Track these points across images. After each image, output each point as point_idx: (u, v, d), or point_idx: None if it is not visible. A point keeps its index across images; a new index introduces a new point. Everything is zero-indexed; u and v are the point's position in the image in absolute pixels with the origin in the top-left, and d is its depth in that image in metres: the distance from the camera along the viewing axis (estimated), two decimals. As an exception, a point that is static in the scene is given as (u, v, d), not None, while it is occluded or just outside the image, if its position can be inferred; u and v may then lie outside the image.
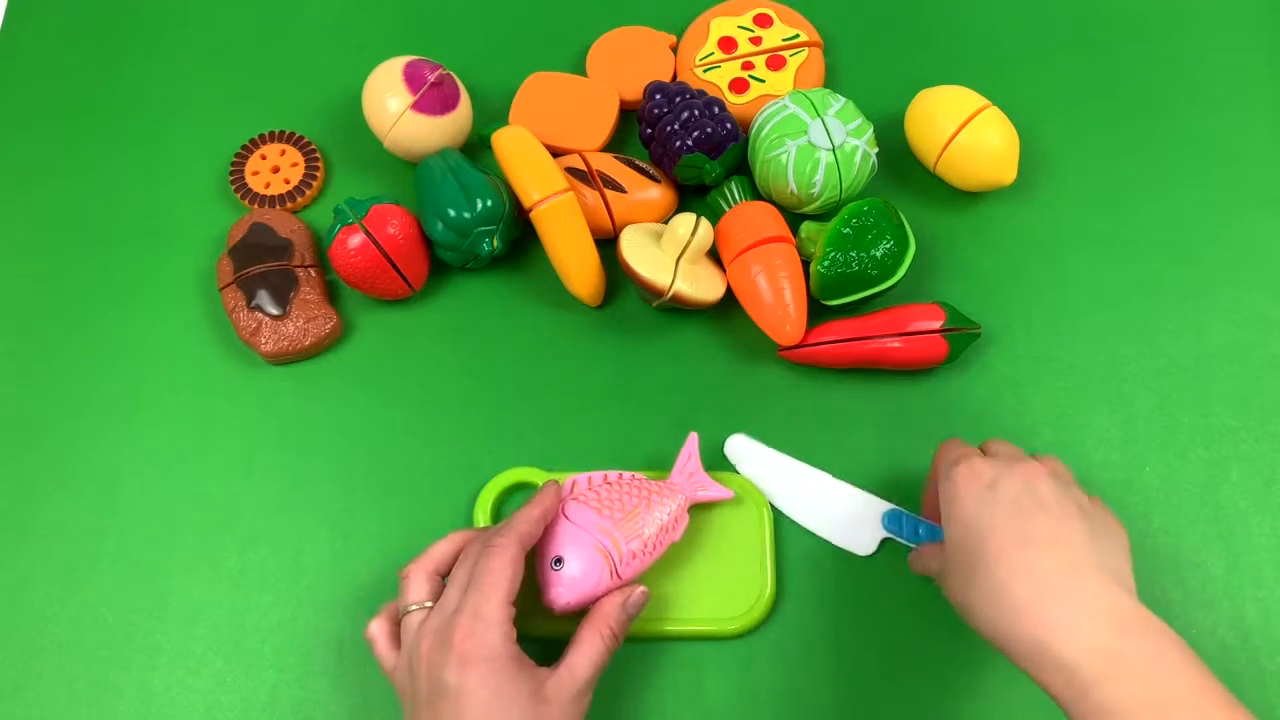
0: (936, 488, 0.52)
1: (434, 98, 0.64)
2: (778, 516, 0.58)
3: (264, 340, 0.61)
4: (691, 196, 0.68)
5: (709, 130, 0.63)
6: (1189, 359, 0.62)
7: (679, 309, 0.63)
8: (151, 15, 0.75)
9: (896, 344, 0.59)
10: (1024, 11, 0.74)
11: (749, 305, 0.61)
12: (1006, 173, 0.64)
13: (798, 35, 0.70)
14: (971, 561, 0.46)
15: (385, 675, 0.50)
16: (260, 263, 0.62)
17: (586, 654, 0.47)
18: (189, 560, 0.58)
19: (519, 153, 0.61)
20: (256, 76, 0.73)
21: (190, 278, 0.66)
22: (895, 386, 0.62)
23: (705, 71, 0.69)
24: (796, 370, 0.62)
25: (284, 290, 0.62)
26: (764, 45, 0.70)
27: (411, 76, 0.64)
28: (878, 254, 0.59)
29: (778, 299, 0.59)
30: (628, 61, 0.70)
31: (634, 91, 0.69)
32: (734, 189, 0.64)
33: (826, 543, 0.58)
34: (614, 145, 0.69)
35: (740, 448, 0.59)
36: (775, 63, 0.70)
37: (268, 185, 0.67)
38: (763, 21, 0.71)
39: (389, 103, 0.64)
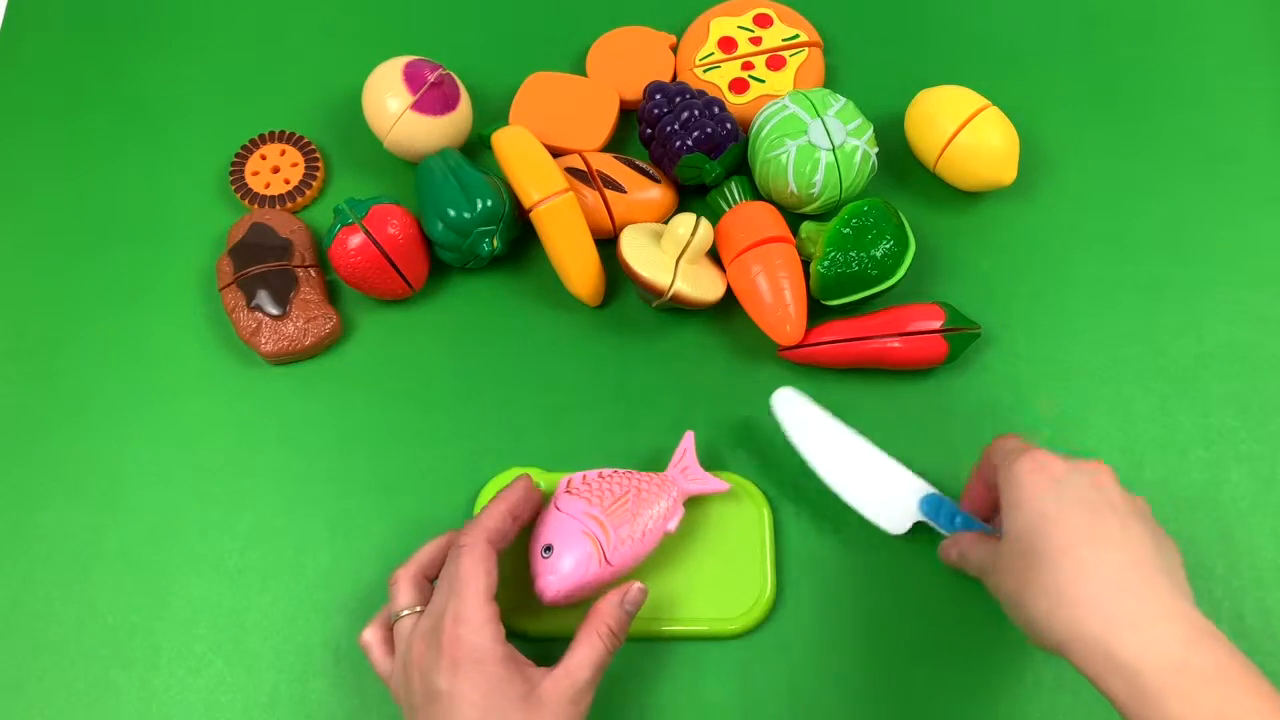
0: (984, 481, 0.51)
1: (434, 98, 0.64)
2: (779, 517, 0.58)
3: (264, 340, 0.61)
4: (691, 196, 0.68)
5: (709, 130, 0.63)
6: (1189, 359, 0.62)
7: (679, 309, 0.63)
8: (151, 16, 0.75)
9: (896, 344, 0.59)
10: (1024, 11, 0.74)
11: (749, 305, 0.61)
12: (1006, 173, 0.64)
13: (798, 35, 0.70)
14: (1033, 554, 0.44)
15: (382, 680, 0.50)
16: (260, 263, 0.62)
17: (584, 655, 0.47)
18: (189, 560, 0.58)
19: (519, 153, 0.61)
20: (256, 76, 0.73)
21: (190, 278, 0.66)
22: (895, 386, 0.62)
23: (705, 71, 0.69)
24: (796, 370, 0.62)
25: (284, 290, 0.62)
26: (764, 45, 0.70)
27: (411, 76, 0.64)
28: (878, 254, 0.59)
29: (778, 299, 0.59)
30: (628, 61, 0.70)
31: (634, 91, 0.69)
32: (734, 189, 0.64)
33: (826, 543, 0.58)
34: (614, 145, 0.69)
35: (787, 401, 0.57)
36: (775, 63, 0.70)
37: (268, 185, 0.67)
38: (763, 21, 0.71)
39: (389, 103, 0.64)
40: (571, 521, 0.52)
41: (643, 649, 0.56)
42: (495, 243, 0.62)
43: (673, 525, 0.54)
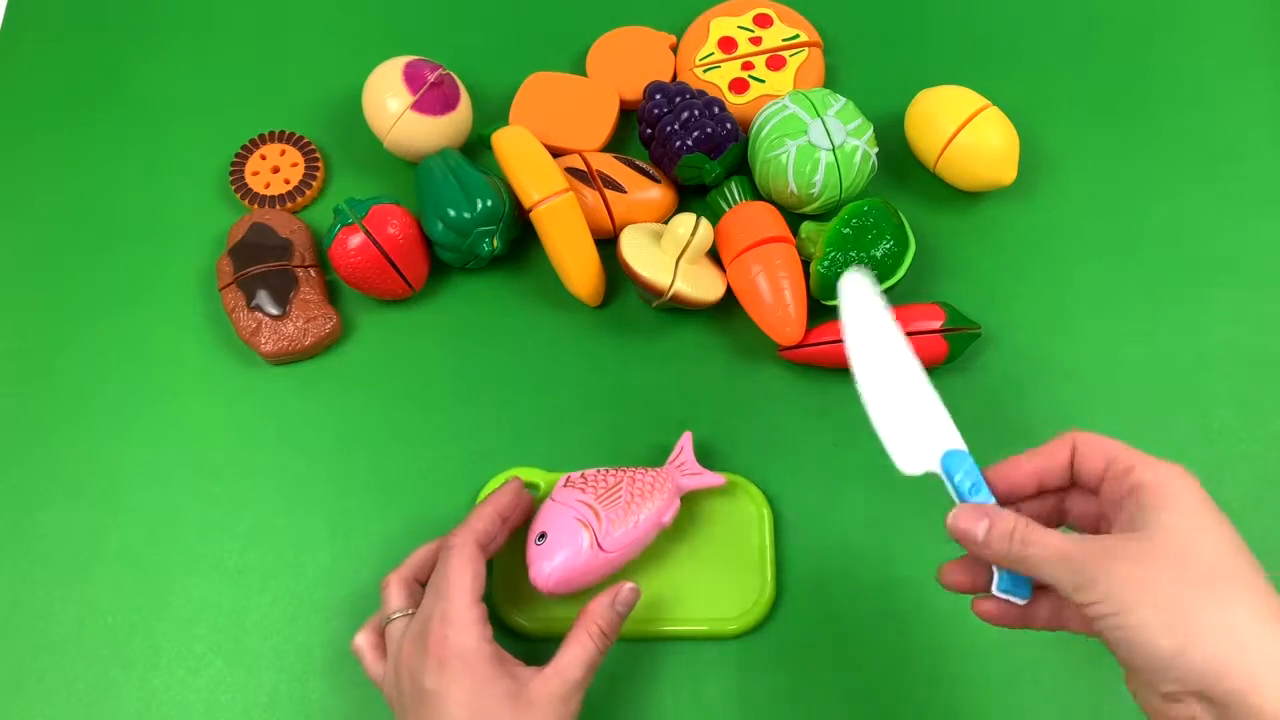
0: (1045, 465, 0.44)
1: (434, 98, 0.64)
2: (779, 517, 0.58)
3: (264, 340, 0.61)
4: (691, 196, 0.68)
5: (709, 130, 0.63)
6: (1189, 359, 0.62)
7: (679, 309, 0.63)
8: (151, 15, 0.75)
9: (896, 344, 0.59)
10: (1024, 11, 0.74)
11: (749, 305, 0.61)
12: (1006, 173, 0.64)
13: (798, 35, 0.70)
14: (1216, 573, 0.36)
15: (375, 685, 0.50)
16: (260, 263, 0.62)
17: (575, 654, 0.47)
18: (189, 560, 0.58)
19: (519, 153, 0.61)
20: (256, 76, 0.73)
21: (190, 278, 0.66)
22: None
23: (705, 71, 0.69)
24: (796, 370, 0.62)
25: (284, 290, 0.62)
26: (764, 45, 0.70)
27: (411, 76, 0.64)
28: (878, 254, 0.59)
29: (778, 299, 0.59)
30: (628, 61, 0.70)
31: (634, 91, 0.69)
32: (734, 189, 0.64)
33: (826, 542, 0.58)
34: (614, 145, 0.69)
35: (855, 286, 0.50)
36: (775, 63, 0.70)
37: (268, 185, 0.67)
38: (763, 21, 0.71)
39: (389, 103, 0.64)
40: (565, 509, 0.53)
41: (642, 649, 0.56)
42: (495, 243, 0.62)
43: (668, 518, 0.54)
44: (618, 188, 0.64)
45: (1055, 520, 0.46)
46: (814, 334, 0.61)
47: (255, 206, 0.66)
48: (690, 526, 0.57)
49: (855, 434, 0.61)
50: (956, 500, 0.45)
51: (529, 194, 0.60)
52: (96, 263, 0.66)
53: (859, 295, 0.50)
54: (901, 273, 0.60)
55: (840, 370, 0.62)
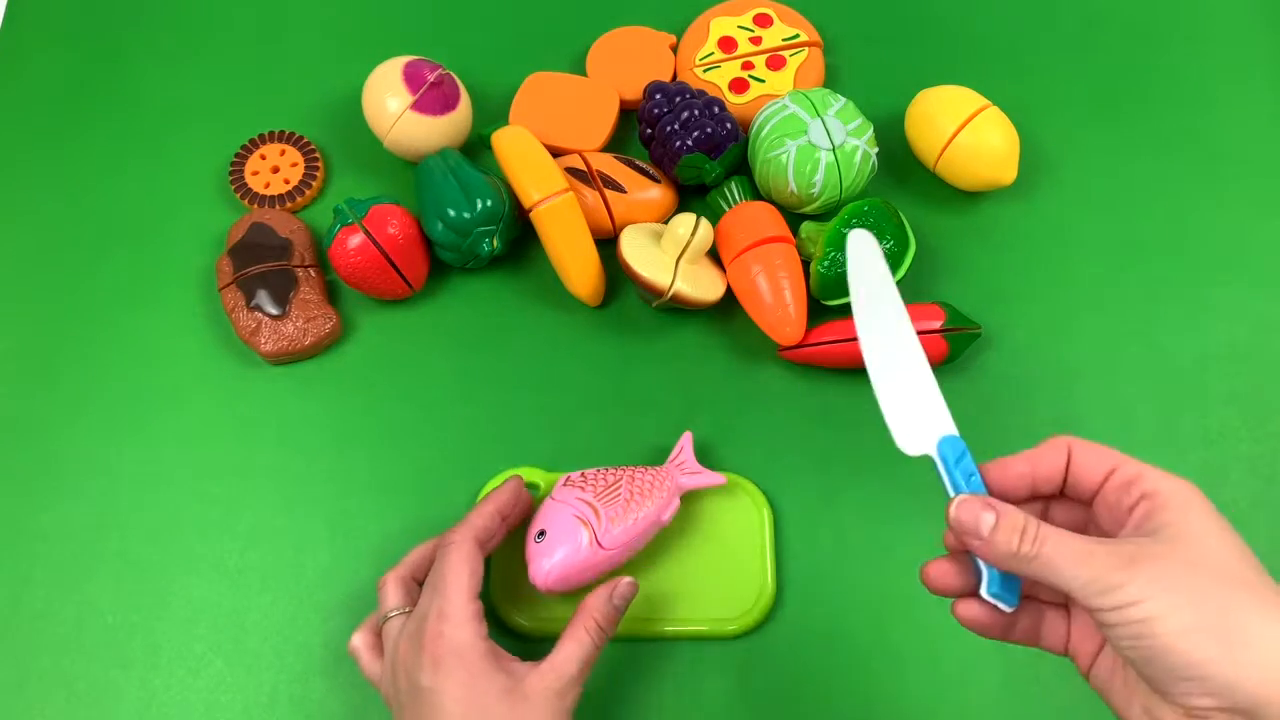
0: (1041, 465, 0.42)
1: (434, 98, 0.64)
2: (779, 517, 0.58)
3: (264, 340, 0.61)
4: (691, 196, 0.68)
5: (709, 130, 0.63)
6: (1189, 359, 0.62)
7: (679, 309, 0.63)
8: (151, 15, 0.75)
9: (896, 344, 0.59)
10: (1024, 11, 0.74)
11: (749, 305, 0.61)
12: (1006, 173, 0.64)
13: (798, 35, 0.70)
14: (1235, 581, 0.34)
15: (373, 685, 0.50)
16: (260, 263, 0.62)
17: (571, 649, 0.47)
18: (189, 560, 0.58)
19: (519, 153, 0.61)
20: (256, 76, 0.73)
21: (190, 278, 0.66)
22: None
23: (705, 71, 0.69)
24: (796, 370, 0.62)
25: (284, 290, 0.62)
26: (764, 45, 0.70)
27: (411, 76, 0.64)
28: (878, 254, 0.59)
29: (778, 299, 0.59)
30: (628, 61, 0.70)
31: (634, 91, 0.69)
32: (734, 189, 0.64)
33: (826, 542, 0.58)
34: (614, 145, 0.69)
35: (863, 245, 0.48)
36: (775, 63, 0.70)
37: (267, 185, 0.67)
38: (763, 21, 0.71)
39: (389, 103, 0.64)
40: (564, 507, 0.53)
41: (643, 649, 0.56)
42: (495, 243, 0.62)
43: (667, 517, 0.54)
44: (618, 188, 0.64)
45: None
46: (814, 334, 0.61)
47: (255, 206, 0.66)
48: (690, 526, 0.57)
49: (855, 434, 0.61)
50: (951, 491, 0.42)
51: (529, 194, 0.60)
52: (96, 262, 0.66)
53: (867, 257, 0.47)
54: (901, 273, 0.60)
55: (840, 370, 0.62)
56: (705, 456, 0.59)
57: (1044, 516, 0.43)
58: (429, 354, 0.63)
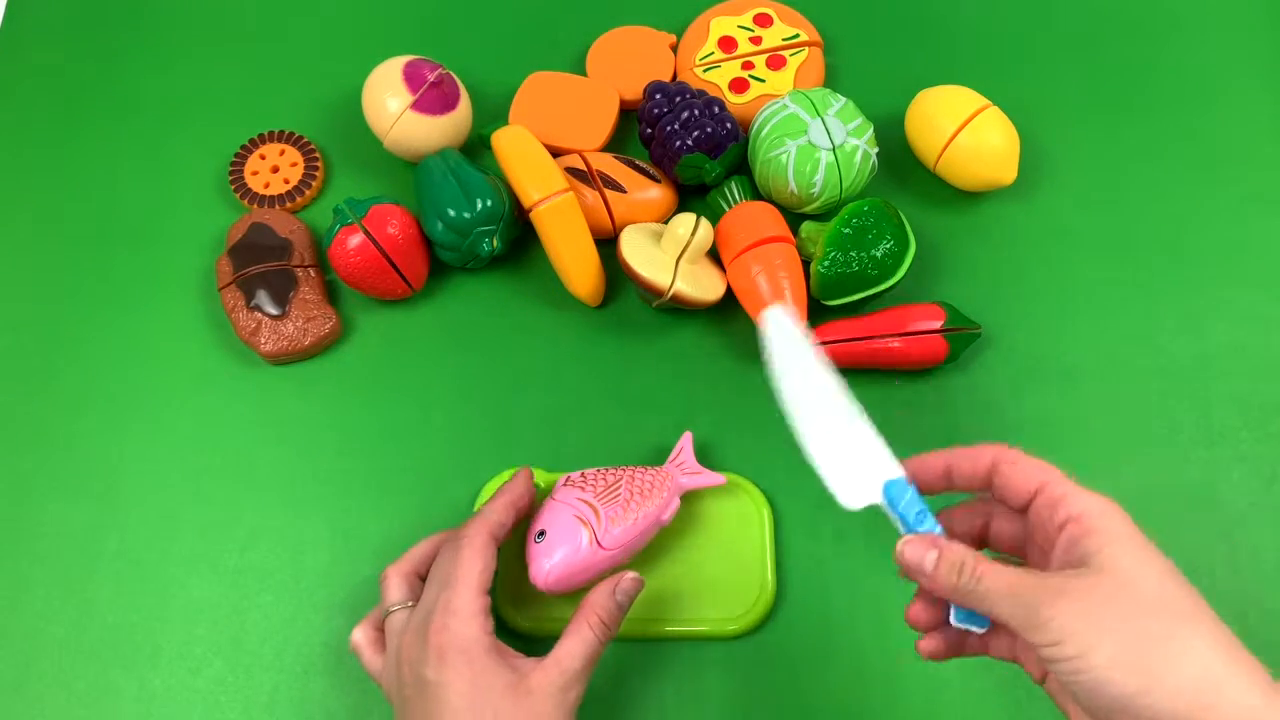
0: (964, 478, 0.43)
1: (434, 98, 0.64)
2: (779, 517, 0.58)
3: (264, 340, 0.61)
4: (691, 196, 0.68)
5: (709, 130, 0.63)
6: (1189, 359, 0.62)
7: (679, 309, 0.63)
8: (151, 15, 0.75)
9: (896, 344, 0.59)
10: (1024, 11, 0.74)
11: (749, 305, 0.61)
12: (1006, 173, 0.64)
13: (798, 35, 0.70)
14: (1168, 612, 0.36)
15: (374, 680, 0.50)
16: (260, 263, 0.62)
17: (575, 645, 0.47)
18: (189, 560, 0.58)
19: (519, 153, 0.61)
20: (256, 76, 0.73)
21: (190, 278, 0.66)
22: (895, 386, 0.62)
23: (705, 71, 0.69)
24: (796, 370, 0.62)
25: (283, 290, 0.62)
26: (764, 45, 0.70)
27: (411, 76, 0.64)
28: (878, 254, 0.59)
29: (777, 299, 0.59)
30: (628, 61, 0.70)
31: (634, 91, 0.69)
32: (734, 189, 0.64)
33: (826, 543, 0.58)
34: (614, 145, 0.69)
35: (779, 321, 0.49)
36: (775, 62, 0.70)
37: (267, 185, 0.67)
38: (763, 21, 0.71)
39: (389, 103, 0.64)
40: (564, 507, 0.53)
41: (643, 649, 0.56)
42: (495, 243, 0.62)
43: (667, 516, 0.54)
44: (618, 188, 0.64)
45: (981, 540, 0.46)
46: (814, 334, 0.61)
47: (255, 206, 0.66)
48: (690, 526, 0.57)
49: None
50: (902, 532, 0.43)
51: (529, 194, 0.60)
52: (96, 263, 0.66)
53: (783, 334, 0.49)
54: (901, 273, 0.60)
55: (840, 370, 0.62)
56: (705, 456, 0.59)
57: (987, 525, 0.45)
58: (429, 354, 0.63)
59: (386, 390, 0.62)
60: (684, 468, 0.56)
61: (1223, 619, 0.37)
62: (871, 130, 0.63)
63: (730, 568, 0.56)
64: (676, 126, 0.63)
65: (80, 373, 0.63)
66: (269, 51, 0.74)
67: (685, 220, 0.59)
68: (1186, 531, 0.58)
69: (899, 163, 0.68)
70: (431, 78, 0.64)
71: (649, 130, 0.65)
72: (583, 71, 0.71)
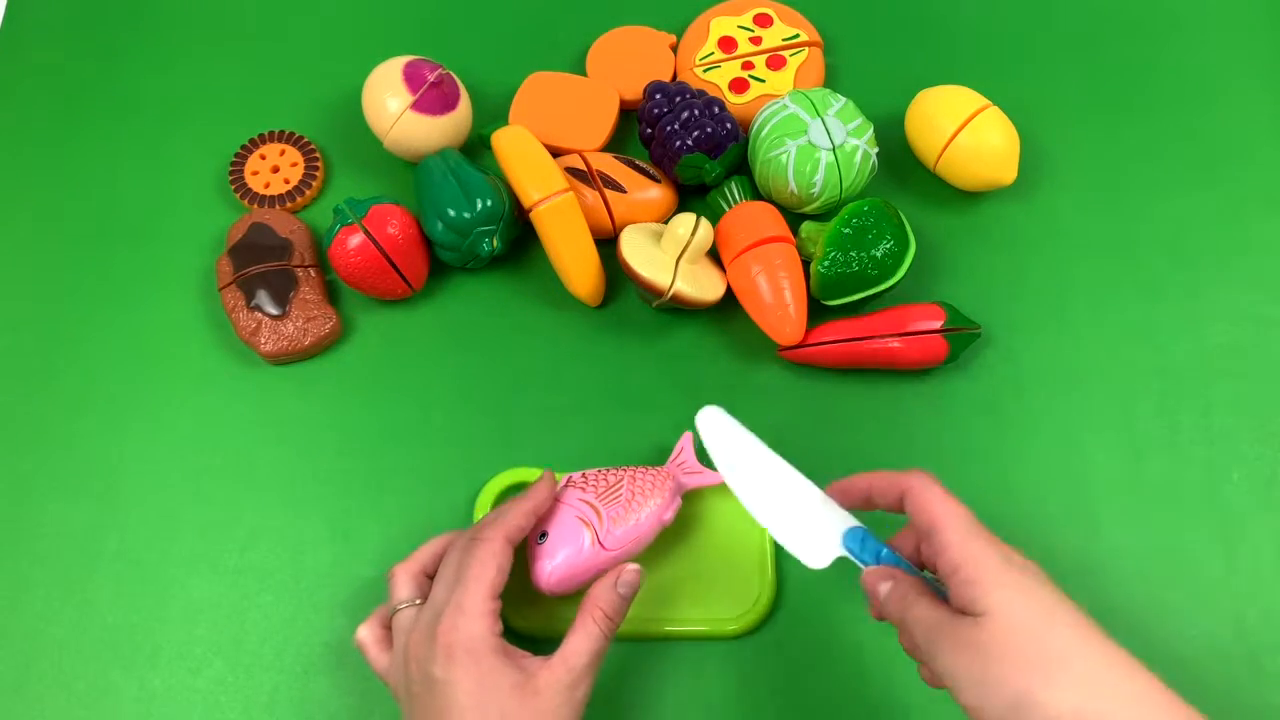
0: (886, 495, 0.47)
1: (434, 98, 0.64)
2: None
3: (264, 340, 0.61)
4: (691, 196, 0.68)
5: (709, 130, 0.63)
6: (1189, 359, 0.62)
7: (679, 309, 0.63)
8: (151, 15, 0.75)
9: (896, 344, 0.59)
10: (1024, 11, 0.74)
11: (749, 305, 0.61)
12: (1006, 173, 0.64)
13: (798, 35, 0.70)
14: (1038, 653, 0.40)
15: (379, 678, 0.50)
16: (260, 263, 0.62)
17: (580, 641, 0.47)
18: (189, 560, 0.58)
19: (519, 153, 0.61)
20: (256, 76, 0.73)
21: (190, 278, 0.66)
22: (895, 386, 0.62)
23: (705, 71, 0.69)
24: (796, 370, 0.62)
25: (284, 290, 0.62)
26: (764, 45, 0.70)
27: (411, 76, 0.64)
28: (878, 254, 0.59)
29: (778, 299, 0.59)
30: (628, 61, 0.70)
31: (634, 91, 0.69)
32: (734, 189, 0.64)
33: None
34: (614, 145, 0.69)
35: (712, 420, 0.54)
36: (775, 63, 0.70)
37: (267, 185, 0.67)
38: (763, 21, 0.71)
39: (389, 103, 0.64)
40: (566, 509, 0.53)
41: (643, 649, 0.56)
42: (495, 243, 0.62)
43: (669, 516, 0.54)
44: (618, 188, 0.64)
45: (917, 559, 0.48)
46: (814, 334, 0.61)
47: (255, 206, 0.66)
48: (691, 526, 0.57)
49: (855, 434, 0.61)
50: (863, 568, 0.48)
51: (529, 194, 0.60)
52: (96, 262, 0.66)
53: (718, 429, 0.53)
54: (901, 273, 0.60)
55: (840, 370, 0.62)
56: (705, 456, 0.59)
57: (918, 546, 0.48)
58: (429, 354, 0.63)
59: (386, 390, 0.62)
60: (685, 467, 0.56)
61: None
62: (871, 130, 0.63)
63: (730, 567, 0.56)
64: (676, 126, 0.63)
65: (80, 372, 0.63)
66: (269, 51, 0.74)
67: (685, 220, 0.59)
68: (1186, 531, 0.58)
69: (899, 163, 0.68)
70: (431, 78, 0.64)
71: (649, 130, 0.65)
72: (583, 71, 0.71)
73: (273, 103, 0.71)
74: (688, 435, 0.58)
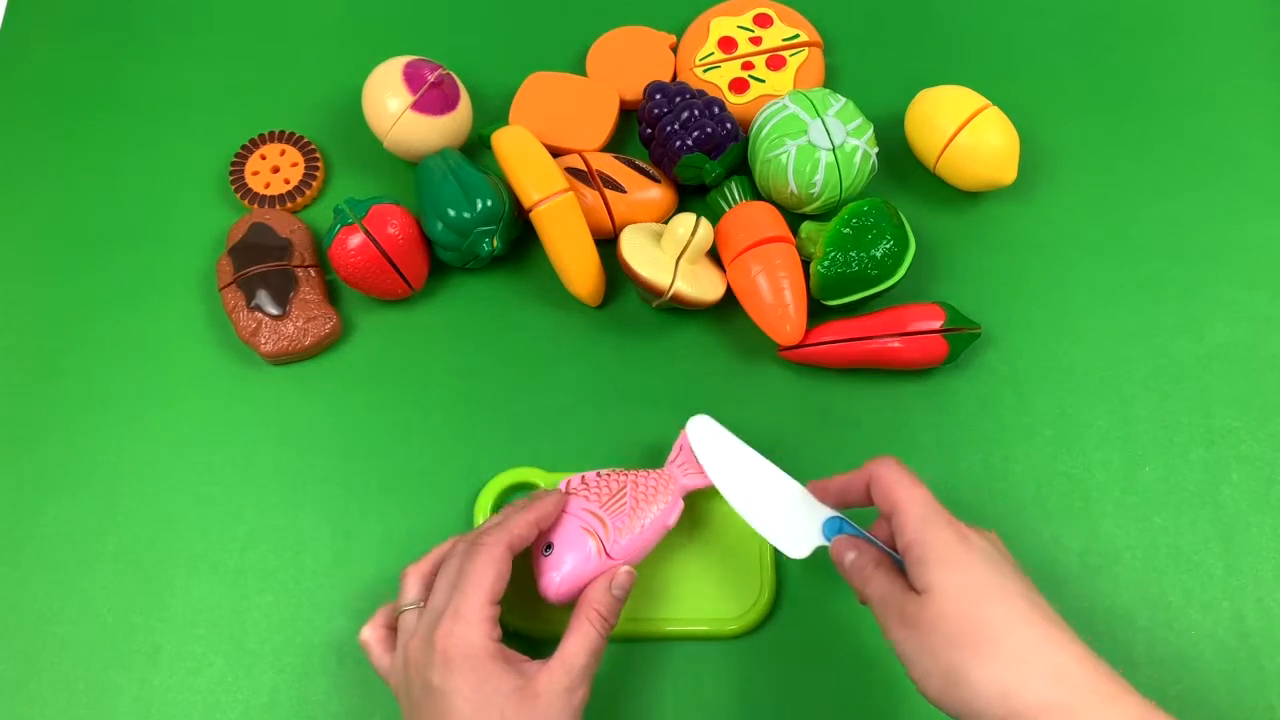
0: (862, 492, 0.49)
1: (434, 98, 0.64)
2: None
3: (264, 340, 0.61)
4: (691, 196, 0.68)
5: (709, 130, 0.63)
6: (1189, 359, 0.62)
7: (679, 309, 0.63)
8: (151, 15, 0.75)
9: (896, 344, 0.59)
10: (1024, 11, 0.74)
11: (749, 305, 0.61)
12: (1006, 173, 0.64)
13: (798, 35, 0.70)
14: (978, 627, 0.41)
15: (382, 678, 0.50)
16: (260, 263, 0.62)
17: (577, 643, 0.47)
18: (189, 560, 0.58)
19: (519, 153, 0.61)
20: (256, 76, 0.73)
21: (190, 278, 0.66)
22: (895, 386, 0.62)
23: (705, 71, 0.69)
24: (796, 370, 0.62)
25: (284, 290, 0.62)
26: (764, 45, 0.70)
27: (411, 76, 0.64)
28: (878, 254, 0.59)
29: (778, 299, 0.59)
30: (628, 61, 0.70)
31: (634, 91, 0.69)
32: (734, 189, 0.64)
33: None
34: (614, 145, 0.69)
35: (701, 428, 0.56)
36: (775, 63, 0.70)
37: (268, 185, 0.67)
38: (763, 21, 0.71)
39: (389, 103, 0.64)
40: (571, 519, 0.53)
41: (643, 649, 0.56)
42: (495, 243, 0.62)
43: (672, 519, 0.54)
44: (618, 188, 0.64)
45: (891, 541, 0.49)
46: (814, 334, 0.61)
47: (255, 206, 0.66)
48: (690, 526, 0.57)
49: (855, 434, 0.61)
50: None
51: (529, 194, 0.60)
52: (96, 263, 0.66)
53: (704, 435, 0.55)
54: (901, 273, 0.60)
55: (840, 370, 0.62)
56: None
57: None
58: (429, 354, 0.63)
59: (387, 390, 0.62)
60: (685, 468, 0.56)
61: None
62: (871, 130, 0.63)
63: (730, 567, 0.56)
64: (676, 126, 0.63)
65: (80, 372, 0.63)
66: (269, 51, 0.74)
67: (685, 220, 0.59)
68: (1186, 531, 0.58)
69: (899, 163, 0.68)
70: (431, 78, 0.64)
71: (649, 130, 0.65)
72: (583, 71, 0.71)
73: (273, 103, 0.71)
74: (685, 435, 0.58)
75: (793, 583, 0.57)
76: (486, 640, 0.46)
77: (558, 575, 0.51)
